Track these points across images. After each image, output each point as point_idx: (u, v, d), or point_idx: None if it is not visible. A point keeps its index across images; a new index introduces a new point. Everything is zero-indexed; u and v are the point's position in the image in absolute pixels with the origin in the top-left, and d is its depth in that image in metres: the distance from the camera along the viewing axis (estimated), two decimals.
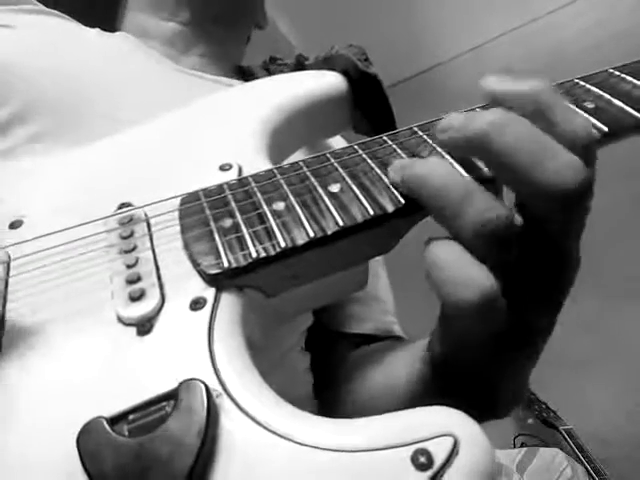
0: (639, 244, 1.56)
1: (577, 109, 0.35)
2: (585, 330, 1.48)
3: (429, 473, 0.22)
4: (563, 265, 0.31)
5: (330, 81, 0.48)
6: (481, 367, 0.34)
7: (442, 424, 0.23)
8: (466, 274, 0.27)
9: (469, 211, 0.28)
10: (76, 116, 0.49)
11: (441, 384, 0.38)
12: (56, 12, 0.63)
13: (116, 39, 0.63)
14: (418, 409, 0.25)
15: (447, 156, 0.33)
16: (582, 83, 0.38)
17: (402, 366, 0.44)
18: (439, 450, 0.22)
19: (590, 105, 0.36)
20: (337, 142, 0.64)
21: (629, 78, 0.37)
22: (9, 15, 0.58)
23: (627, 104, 0.35)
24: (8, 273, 0.32)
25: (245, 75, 0.69)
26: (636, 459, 1.36)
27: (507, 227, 0.28)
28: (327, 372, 0.58)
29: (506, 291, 0.28)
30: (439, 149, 0.34)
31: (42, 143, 0.46)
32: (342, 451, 0.23)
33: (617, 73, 0.38)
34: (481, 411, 0.37)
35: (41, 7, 0.62)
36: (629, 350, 1.53)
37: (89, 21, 0.64)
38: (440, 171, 0.30)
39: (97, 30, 0.64)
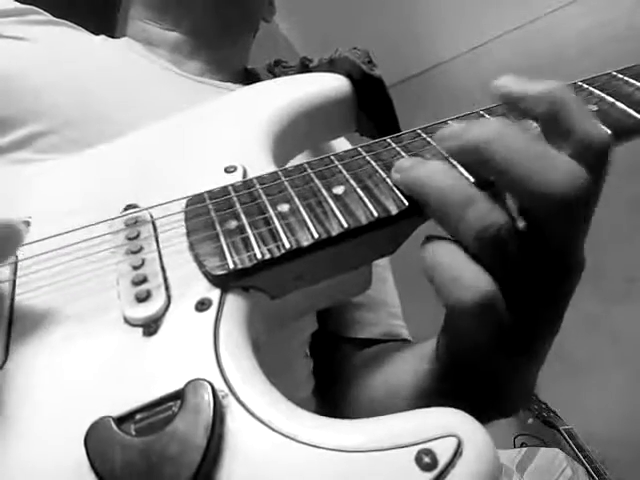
0: (639, 245, 1.57)
1: None
2: (585, 330, 1.48)
3: (434, 473, 0.22)
4: (566, 268, 0.31)
5: (334, 84, 0.48)
6: (485, 368, 0.35)
7: (446, 425, 0.24)
8: (464, 276, 0.28)
9: (470, 216, 0.28)
10: (84, 124, 0.50)
11: (447, 385, 0.38)
12: (64, 21, 0.63)
13: (121, 46, 0.64)
14: (422, 410, 0.25)
15: (451, 159, 0.34)
16: (585, 85, 0.38)
17: (408, 367, 0.44)
18: (443, 451, 0.23)
19: (593, 108, 0.36)
20: (341, 144, 0.64)
21: (632, 81, 0.37)
22: (19, 27, 0.58)
23: (630, 107, 0.35)
24: (16, 274, 0.32)
25: (250, 78, 0.69)
26: (636, 459, 1.36)
27: (507, 233, 0.28)
28: (331, 374, 0.58)
29: (508, 294, 0.28)
30: (443, 152, 0.34)
31: (50, 151, 0.47)
32: (347, 451, 0.23)
33: (620, 76, 0.38)
34: (487, 411, 0.37)
35: (49, 17, 0.63)
36: (629, 350, 1.53)
37: (88, 22, 0.65)
38: (442, 175, 0.30)
39: (102, 37, 0.65)
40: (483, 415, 0.38)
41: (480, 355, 0.33)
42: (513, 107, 0.33)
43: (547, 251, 0.30)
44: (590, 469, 1.37)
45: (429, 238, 0.30)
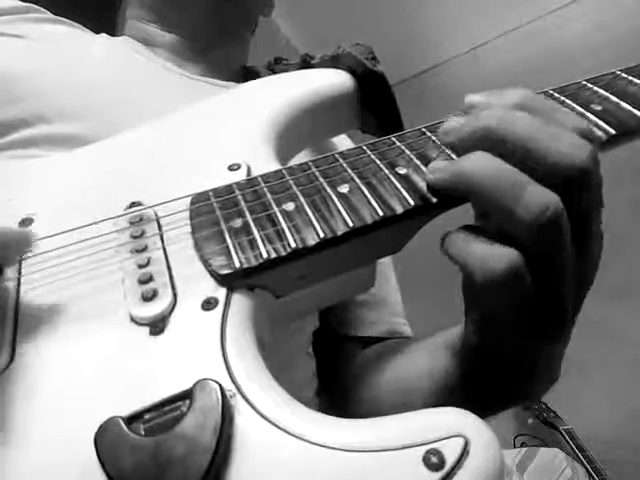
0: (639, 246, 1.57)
1: (585, 111, 0.35)
2: (585, 331, 1.48)
3: (441, 474, 0.22)
4: (592, 244, 0.32)
5: (337, 80, 0.48)
6: (511, 350, 0.35)
7: (453, 425, 0.24)
8: (491, 247, 0.29)
9: (527, 199, 0.28)
10: (85, 123, 0.49)
11: (466, 375, 0.39)
12: (64, 20, 0.63)
13: (121, 45, 0.63)
14: (429, 410, 0.25)
15: (454, 156, 0.34)
16: (589, 85, 0.38)
17: (422, 363, 0.44)
18: (450, 451, 0.23)
19: (597, 107, 0.36)
20: (342, 142, 0.64)
21: (636, 80, 0.37)
22: (19, 25, 0.58)
23: (635, 106, 0.35)
24: (21, 272, 0.32)
25: (251, 76, 0.69)
26: (636, 460, 1.36)
27: (563, 213, 0.29)
28: (333, 373, 0.58)
29: (540, 271, 0.29)
30: (447, 150, 0.34)
31: (52, 150, 0.47)
32: (354, 451, 0.23)
33: (624, 75, 0.38)
34: (505, 399, 0.37)
35: (50, 15, 0.63)
36: (629, 351, 1.53)
37: (89, 21, 0.65)
38: (487, 163, 0.30)
39: (103, 35, 0.65)
40: (501, 404, 0.39)
41: (507, 336, 0.33)
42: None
43: (577, 226, 0.30)
44: (590, 469, 1.37)
45: (447, 233, 0.31)
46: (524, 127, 0.30)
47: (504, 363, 0.36)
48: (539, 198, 0.28)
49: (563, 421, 1.53)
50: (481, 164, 0.30)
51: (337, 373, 0.58)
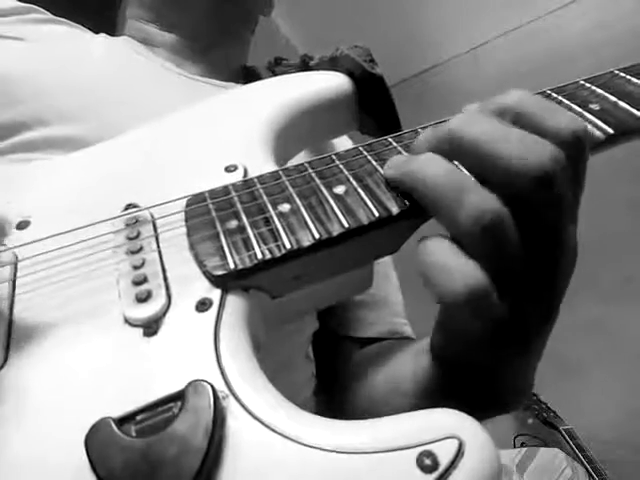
0: (637, 246, 1.56)
1: (583, 111, 0.35)
2: (585, 331, 1.48)
3: (434, 475, 0.22)
4: (557, 253, 0.31)
5: (335, 82, 0.48)
6: (481, 363, 0.34)
7: (447, 426, 0.24)
8: (451, 267, 0.27)
9: (467, 203, 0.28)
10: (84, 125, 0.49)
11: (444, 382, 0.38)
12: (64, 20, 0.63)
13: (121, 45, 0.63)
14: (423, 411, 0.25)
15: None
16: (587, 84, 0.38)
17: (408, 364, 0.44)
18: (444, 452, 0.22)
19: (595, 107, 0.36)
20: (342, 143, 0.64)
21: (634, 80, 0.37)
22: (19, 26, 0.58)
23: (633, 106, 0.35)
24: (16, 274, 0.32)
25: (251, 76, 0.69)
26: (636, 460, 1.36)
27: (505, 218, 0.28)
28: (332, 373, 0.58)
29: (502, 284, 0.28)
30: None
31: (51, 152, 0.47)
32: (347, 453, 0.23)
33: (622, 74, 0.38)
34: (487, 408, 0.37)
35: (50, 16, 0.62)
36: (629, 351, 1.53)
37: (88, 21, 0.65)
38: (434, 165, 0.30)
39: (103, 35, 0.64)
40: (483, 412, 0.38)
41: (475, 350, 0.33)
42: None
43: (537, 235, 0.30)
44: (590, 469, 1.37)
45: (422, 239, 0.30)
46: (482, 132, 0.29)
47: (471, 372, 0.35)
48: (478, 203, 0.28)
49: (563, 421, 1.53)
50: (428, 166, 0.30)
51: (336, 373, 0.58)
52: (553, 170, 0.28)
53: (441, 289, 0.27)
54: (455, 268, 0.27)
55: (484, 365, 0.34)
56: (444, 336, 0.36)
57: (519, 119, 0.31)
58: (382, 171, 0.34)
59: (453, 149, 0.31)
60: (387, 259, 0.67)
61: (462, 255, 0.28)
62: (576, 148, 0.30)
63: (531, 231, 0.29)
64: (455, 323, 0.32)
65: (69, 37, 0.60)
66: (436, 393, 0.39)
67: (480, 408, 0.37)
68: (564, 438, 1.47)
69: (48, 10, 0.64)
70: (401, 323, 0.62)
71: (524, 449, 1.45)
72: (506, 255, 0.28)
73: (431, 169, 0.30)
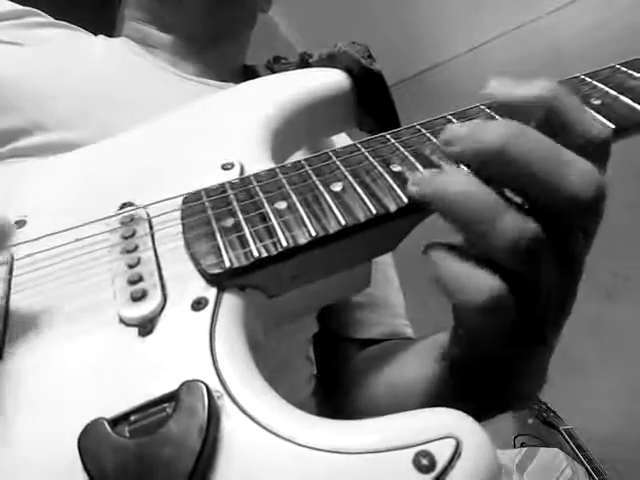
0: (638, 245, 1.56)
1: (584, 105, 0.35)
2: (585, 331, 1.48)
3: (432, 475, 0.22)
4: (576, 270, 0.31)
5: (333, 79, 0.47)
6: (499, 358, 0.34)
7: (444, 426, 0.23)
8: (474, 278, 0.28)
9: (502, 226, 0.27)
10: (83, 129, 0.49)
11: (458, 382, 0.38)
12: (63, 23, 0.63)
13: (119, 46, 0.63)
14: (420, 411, 0.25)
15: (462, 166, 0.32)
16: (588, 79, 0.38)
17: (416, 366, 0.44)
18: (441, 452, 0.22)
19: (596, 102, 0.35)
20: (341, 140, 0.64)
21: (636, 74, 0.37)
22: (18, 31, 0.58)
23: (634, 100, 0.35)
24: (11, 273, 0.32)
25: (249, 75, 0.68)
26: (636, 459, 1.36)
27: (541, 240, 0.28)
28: (333, 375, 0.58)
29: (525, 294, 0.28)
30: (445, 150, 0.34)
31: (47, 153, 0.46)
32: (344, 453, 0.23)
33: (624, 69, 0.38)
34: (502, 402, 0.37)
35: (48, 19, 0.62)
36: (629, 351, 1.53)
37: (87, 22, 0.65)
38: (465, 185, 0.28)
39: (101, 37, 0.64)
40: (497, 407, 0.38)
41: (494, 347, 0.33)
42: (507, 110, 0.32)
43: (569, 253, 0.30)
44: (590, 469, 1.37)
45: (431, 246, 0.30)
46: (535, 154, 0.28)
47: (489, 369, 0.36)
48: (516, 227, 0.27)
49: (563, 421, 1.53)
50: (458, 186, 0.28)
51: (336, 374, 0.58)
52: (602, 196, 0.28)
53: (464, 299, 0.28)
54: (478, 278, 0.28)
55: (501, 360, 0.35)
56: (460, 339, 0.35)
57: (551, 116, 0.30)
58: (380, 168, 0.34)
59: (496, 167, 0.29)
60: (387, 260, 0.66)
61: (478, 266, 0.28)
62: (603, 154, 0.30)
63: (563, 251, 0.29)
64: (475, 326, 0.32)
65: (68, 40, 0.60)
66: (446, 394, 0.39)
67: (485, 407, 0.38)
68: (564, 438, 1.47)
69: (47, 12, 0.63)
70: (402, 324, 0.62)
71: (524, 449, 1.45)
72: (540, 273, 0.29)
73: (461, 190, 0.28)
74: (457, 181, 0.29)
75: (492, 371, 0.35)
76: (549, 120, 0.30)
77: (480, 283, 0.27)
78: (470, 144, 0.29)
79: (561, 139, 0.29)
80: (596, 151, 0.29)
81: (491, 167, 0.29)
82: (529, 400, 0.46)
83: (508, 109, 0.32)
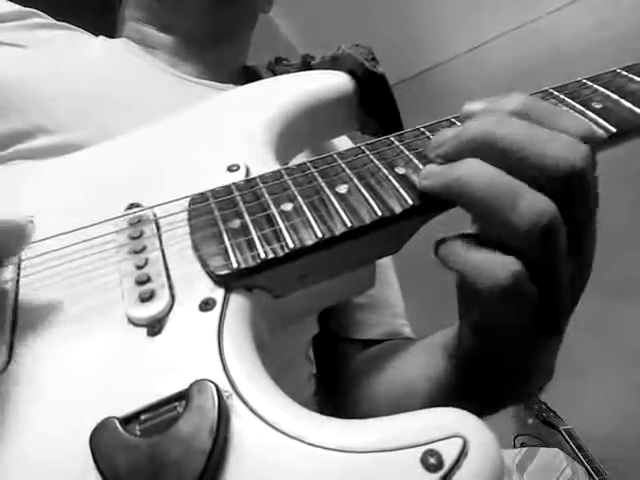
0: (639, 245, 1.57)
1: (585, 109, 0.35)
2: (585, 331, 1.48)
3: (439, 474, 0.22)
4: (589, 243, 0.32)
5: (337, 81, 0.48)
6: (511, 347, 0.35)
7: (451, 425, 0.23)
8: (492, 257, 0.28)
9: (522, 207, 0.28)
10: (84, 131, 0.50)
11: (463, 381, 0.39)
12: (64, 24, 0.63)
13: (119, 47, 0.63)
14: (427, 410, 0.25)
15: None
16: (589, 83, 0.38)
17: (416, 366, 0.44)
18: (449, 451, 0.22)
19: (597, 105, 0.36)
20: (342, 143, 0.64)
21: (636, 78, 0.37)
22: (20, 32, 0.58)
23: (635, 104, 0.35)
24: (19, 273, 0.32)
25: (251, 76, 0.68)
26: (636, 459, 1.36)
27: (558, 220, 0.28)
28: (333, 375, 0.58)
29: (541, 274, 0.29)
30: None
31: (50, 156, 0.47)
32: (352, 452, 0.23)
33: (625, 73, 0.38)
34: (511, 394, 0.38)
35: (50, 20, 0.62)
36: (629, 351, 1.53)
37: (87, 22, 0.65)
38: (481, 169, 0.29)
39: (102, 38, 0.64)
40: (505, 399, 0.39)
41: (507, 338, 0.33)
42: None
43: (579, 230, 0.30)
44: (590, 469, 1.37)
45: (442, 240, 0.30)
46: (518, 133, 0.29)
47: (502, 362, 0.36)
48: (534, 205, 0.28)
49: (563, 421, 1.53)
50: (475, 171, 0.29)
51: (337, 375, 0.58)
52: (589, 168, 0.29)
53: (484, 277, 0.28)
54: (499, 261, 0.28)
55: (511, 349, 0.35)
56: (475, 324, 0.35)
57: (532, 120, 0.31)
58: (385, 170, 0.34)
59: (488, 154, 0.30)
60: (387, 262, 0.67)
61: (492, 249, 0.29)
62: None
63: (574, 227, 0.30)
64: (490, 311, 0.32)
65: (68, 42, 0.60)
66: (453, 391, 0.40)
67: (496, 399, 0.38)
68: (564, 438, 1.47)
69: (48, 12, 0.63)
70: (401, 324, 0.62)
71: (524, 449, 1.45)
72: (560, 252, 0.29)
73: (478, 174, 0.29)
74: (469, 168, 0.30)
75: (500, 363, 0.36)
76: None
77: (500, 265, 0.28)
78: (456, 139, 0.31)
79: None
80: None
81: (481, 153, 0.30)
82: (533, 395, 0.46)
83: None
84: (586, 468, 1.38)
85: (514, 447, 1.52)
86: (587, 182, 0.29)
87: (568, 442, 1.45)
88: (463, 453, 0.22)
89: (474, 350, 0.37)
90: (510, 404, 0.41)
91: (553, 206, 0.28)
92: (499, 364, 0.36)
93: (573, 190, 0.29)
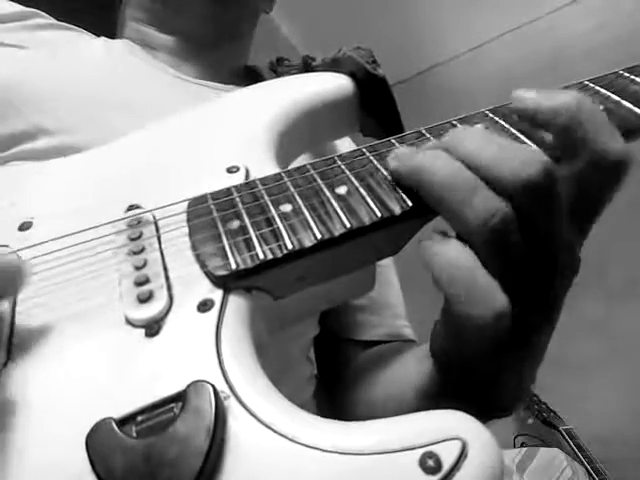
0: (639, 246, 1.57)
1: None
2: (586, 331, 1.48)
3: (438, 477, 0.22)
4: (556, 254, 0.31)
5: (337, 83, 0.48)
6: (484, 365, 0.34)
7: (450, 427, 0.23)
8: (481, 292, 0.28)
9: (476, 202, 0.28)
10: (86, 132, 0.50)
11: (447, 386, 0.38)
12: (66, 25, 0.63)
13: (120, 48, 0.63)
14: (425, 412, 0.25)
15: None
16: (591, 85, 0.38)
17: (409, 368, 0.44)
18: (447, 454, 0.22)
19: (599, 107, 0.36)
20: (345, 145, 0.64)
21: (638, 79, 0.37)
22: (21, 33, 0.58)
23: (637, 105, 0.35)
24: None
25: (252, 76, 0.68)
26: (636, 459, 1.36)
27: (511, 219, 0.28)
28: (333, 376, 0.58)
29: (504, 284, 0.29)
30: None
31: (51, 157, 0.47)
32: (349, 454, 0.23)
33: (626, 74, 0.38)
34: (488, 409, 0.37)
35: (52, 21, 0.62)
36: (630, 351, 1.53)
37: (88, 23, 0.65)
38: (445, 161, 0.30)
39: (103, 39, 0.64)
40: (484, 414, 0.38)
41: (480, 355, 0.33)
42: (528, 119, 0.33)
43: (536, 240, 0.30)
44: (590, 469, 1.37)
45: (433, 237, 0.30)
46: (473, 142, 0.30)
47: (474, 377, 0.35)
48: (488, 203, 0.28)
49: (563, 421, 1.53)
50: (440, 162, 0.30)
51: (337, 376, 0.58)
52: (543, 182, 0.29)
53: (470, 313, 0.28)
54: (485, 294, 0.28)
55: (487, 366, 0.34)
56: (450, 344, 0.35)
57: (570, 130, 0.31)
58: (384, 171, 0.34)
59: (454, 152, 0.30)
60: (388, 263, 0.66)
61: (486, 275, 0.28)
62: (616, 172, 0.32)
63: (528, 233, 0.30)
64: (466, 336, 0.31)
65: (69, 42, 0.60)
66: (438, 398, 0.39)
67: (481, 411, 0.37)
68: (564, 438, 1.47)
69: (48, 13, 0.63)
70: (402, 325, 0.62)
71: (524, 449, 1.45)
72: (510, 255, 0.29)
73: (440, 164, 0.30)
74: (433, 156, 0.30)
75: (478, 379, 0.35)
76: (568, 132, 0.31)
77: (487, 297, 0.28)
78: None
79: (576, 151, 0.30)
80: (608, 167, 0.30)
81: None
82: (513, 409, 0.45)
83: (531, 118, 0.33)
84: (586, 468, 1.38)
85: (514, 447, 1.52)
86: (544, 194, 0.29)
87: (568, 442, 1.45)
88: (462, 455, 0.22)
89: (445, 362, 0.37)
90: (493, 417, 0.40)
91: (504, 207, 0.28)
92: (470, 378, 0.35)
93: (528, 199, 0.29)
